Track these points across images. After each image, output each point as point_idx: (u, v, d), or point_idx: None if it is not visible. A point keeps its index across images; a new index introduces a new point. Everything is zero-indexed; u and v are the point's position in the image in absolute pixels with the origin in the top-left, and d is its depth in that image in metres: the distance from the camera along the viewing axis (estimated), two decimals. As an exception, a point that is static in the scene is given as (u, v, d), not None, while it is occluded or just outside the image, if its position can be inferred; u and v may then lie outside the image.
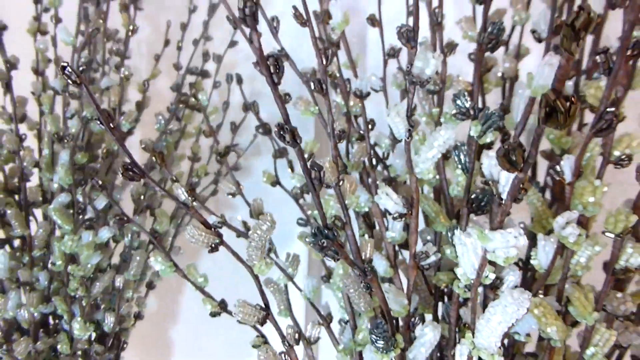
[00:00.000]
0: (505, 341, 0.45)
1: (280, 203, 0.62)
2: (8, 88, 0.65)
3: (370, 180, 0.51)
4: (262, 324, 0.45)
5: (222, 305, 0.49)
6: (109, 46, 0.71)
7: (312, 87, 0.42)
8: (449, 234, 0.46)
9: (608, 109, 0.34)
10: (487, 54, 0.47)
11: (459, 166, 0.43)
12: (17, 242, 0.66)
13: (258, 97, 0.76)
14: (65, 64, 0.33)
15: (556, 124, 0.26)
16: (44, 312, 0.64)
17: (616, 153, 0.40)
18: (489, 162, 0.37)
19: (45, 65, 0.68)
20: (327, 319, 0.52)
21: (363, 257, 0.43)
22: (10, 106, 0.66)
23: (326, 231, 0.36)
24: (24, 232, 0.64)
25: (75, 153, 0.64)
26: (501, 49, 0.49)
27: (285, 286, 0.53)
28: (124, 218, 0.54)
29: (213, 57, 0.77)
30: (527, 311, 0.36)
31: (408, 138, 0.40)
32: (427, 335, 0.43)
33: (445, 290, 0.51)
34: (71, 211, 0.64)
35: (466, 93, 0.41)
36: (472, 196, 0.42)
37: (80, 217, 0.64)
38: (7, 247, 0.65)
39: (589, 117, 0.46)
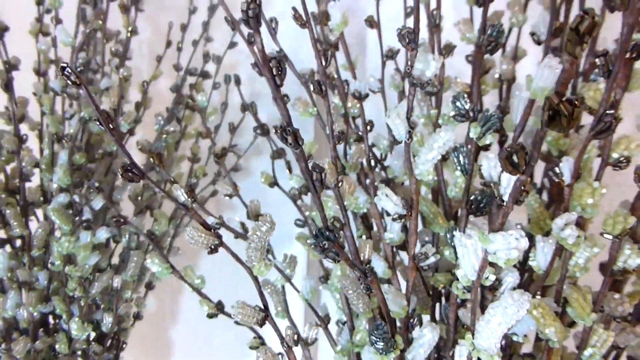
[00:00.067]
0: (503, 342, 0.45)
1: (279, 204, 0.62)
2: (7, 89, 0.65)
3: (368, 181, 0.51)
4: (261, 325, 0.45)
5: (219, 307, 0.49)
6: (110, 47, 0.71)
7: (312, 88, 0.42)
8: (448, 236, 0.46)
9: (607, 112, 0.34)
10: (485, 56, 0.47)
11: (458, 168, 0.43)
12: (18, 242, 0.66)
13: (258, 97, 0.76)
14: (65, 65, 0.33)
15: (559, 126, 0.26)
16: (43, 311, 0.64)
17: (615, 155, 0.41)
18: (489, 164, 0.37)
19: (47, 66, 0.68)
20: (324, 320, 0.52)
21: (362, 259, 0.43)
22: (10, 107, 0.66)
23: (327, 232, 0.36)
24: (22, 232, 0.64)
25: (73, 153, 0.64)
26: (498, 51, 0.49)
27: (283, 287, 0.53)
28: (120, 220, 0.54)
29: (213, 58, 0.77)
30: (526, 312, 0.36)
31: (408, 139, 0.40)
32: (426, 336, 0.43)
33: (443, 291, 0.51)
34: (70, 211, 0.64)
35: (465, 95, 0.42)
36: (471, 197, 0.42)
37: (77, 218, 0.64)
38: (7, 247, 0.65)
39: (585, 119, 0.46)
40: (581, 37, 0.25)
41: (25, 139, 0.66)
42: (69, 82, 0.33)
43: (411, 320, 0.46)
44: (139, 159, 0.70)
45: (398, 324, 0.47)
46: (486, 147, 0.43)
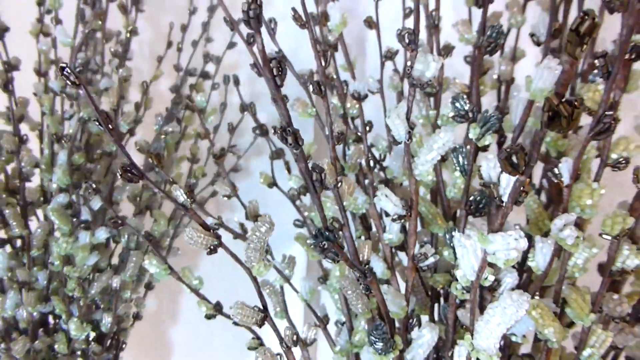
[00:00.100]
0: (502, 342, 0.45)
1: (278, 204, 0.62)
2: (6, 89, 0.65)
3: (367, 182, 0.51)
4: (260, 326, 0.45)
5: (217, 308, 0.49)
6: (110, 47, 0.71)
7: (311, 89, 0.42)
8: (447, 236, 0.46)
9: (606, 113, 0.35)
10: (484, 56, 0.47)
11: (457, 168, 0.43)
12: (19, 242, 0.66)
13: (258, 98, 0.76)
14: (64, 65, 0.33)
15: (559, 127, 0.26)
16: (43, 311, 0.64)
17: (614, 156, 0.41)
18: (488, 165, 0.37)
19: (48, 67, 0.68)
20: (323, 321, 0.52)
21: (361, 259, 0.43)
22: (10, 107, 0.66)
23: (326, 233, 0.36)
24: (22, 232, 0.64)
25: (73, 153, 0.64)
26: (497, 52, 0.49)
27: (282, 288, 0.53)
28: (118, 221, 0.54)
29: (212, 59, 0.77)
30: (525, 313, 0.36)
31: (408, 140, 0.40)
32: (425, 336, 0.44)
33: (442, 292, 0.51)
34: (69, 212, 0.64)
35: (464, 96, 0.42)
36: (471, 198, 0.42)
37: (75, 219, 0.64)
38: (7, 246, 0.65)
39: (584, 120, 0.47)
40: (581, 38, 0.25)
41: (26, 139, 0.66)
42: (68, 82, 0.33)
43: (410, 321, 0.46)
44: (140, 159, 0.70)
45: (397, 324, 0.47)
46: (485, 148, 0.43)
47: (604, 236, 0.40)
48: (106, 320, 0.64)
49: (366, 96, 0.52)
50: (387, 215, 0.45)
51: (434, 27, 0.51)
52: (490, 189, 0.36)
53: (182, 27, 0.78)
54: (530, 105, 0.38)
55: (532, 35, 0.50)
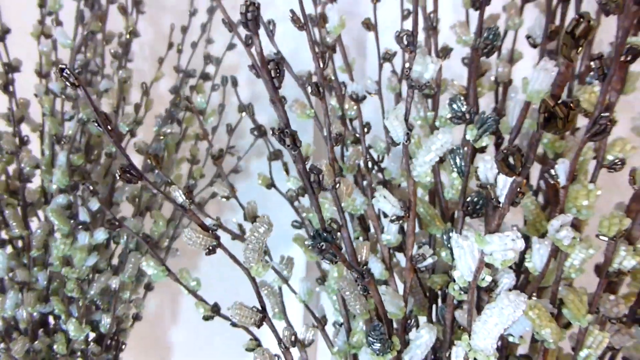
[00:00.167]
0: (499, 343, 0.46)
1: (277, 205, 0.62)
2: (6, 90, 0.65)
3: (365, 183, 0.52)
4: (258, 327, 0.45)
5: (215, 309, 0.49)
6: (111, 49, 0.71)
7: (310, 90, 0.42)
8: (444, 237, 0.46)
9: (602, 114, 0.35)
10: (481, 58, 0.47)
11: (455, 169, 0.43)
12: (20, 243, 0.66)
13: (258, 99, 0.76)
14: (63, 66, 0.33)
15: (555, 129, 0.26)
16: (43, 311, 0.64)
17: (610, 157, 0.41)
18: (485, 166, 0.37)
19: (49, 68, 0.68)
20: (322, 322, 0.52)
21: (359, 260, 0.43)
22: (11, 108, 0.66)
23: (325, 234, 0.36)
24: (22, 233, 0.64)
25: (72, 154, 0.64)
26: (494, 54, 0.49)
27: (280, 289, 0.53)
28: (115, 223, 0.54)
29: (212, 60, 0.77)
30: (522, 313, 0.36)
31: (406, 141, 0.40)
32: (423, 337, 0.44)
33: (440, 292, 0.51)
34: (68, 213, 0.64)
35: (462, 97, 0.42)
36: (468, 199, 0.42)
37: (73, 221, 0.64)
38: (8, 247, 0.65)
39: (581, 122, 0.47)
40: (577, 40, 0.25)
41: (27, 140, 0.66)
42: (67, 83, 0.33)
43: (408, 322, 0.47)
44: (140, 160, 0.70)
45: (395, 325, 0.47)
46: (482, 149, 0.43)
47: (601, 237, 0.40)
48: (105, 321, 0.64)
49: (364, 97, 0.52)
50: (385, 216, 0.45)
51: (432, 29, 0.51)
52: (488, 190, 0.36)
53: (182, 29, 0.78)
54: (527, 106, 0.38)
55: (528, 37, 0.51)
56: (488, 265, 0.37)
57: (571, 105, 0.26)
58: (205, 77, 0.78)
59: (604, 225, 0.40)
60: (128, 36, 0.70)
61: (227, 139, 0.75)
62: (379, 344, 0.42)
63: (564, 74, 0.27)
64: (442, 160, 0.50)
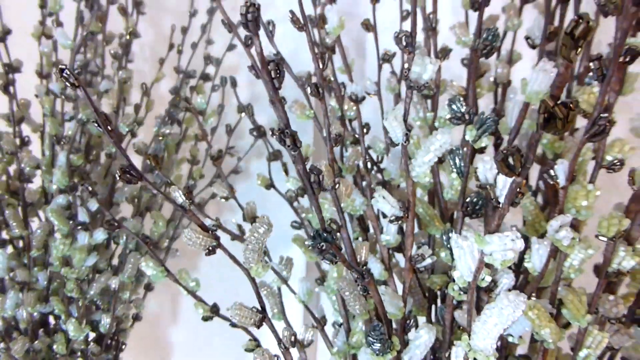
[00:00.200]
0: (498, 343, 0.46)
1: (277, 206, 0.62)
2: (7, 91, 0.66)
3: (364, 183, 0.52)
4: (258, 327, 0.45)
5: (214, 309, 0.49)
6: (111, 50, 0.71)
7: (309, 91, 0.42)
8: (444, 237, 0.47)
9: (601, 115, 0.35)
10: (480, 59, 0.48)
11: (454, 170, 0.43)
12: (20, 243, 0.66)
13: (258, 99, 0.76)
14: (63, 67, 0.33)
15: (554, 129, 0.26)
16: (43, 311, 0.64)
17: (609, 158, 0.41)
18: (484, 166, 0.37)
19: (50, 69, 0.69)
20: (321, 322, 0.52)
21: (359, 260, 0.43)
22: (11, 109, 0.67)
23: (325, 234, 0.36)
24: (22, 233, 0.64)
25: (71, 155, 0.64)
26: (494, 55, 0.49)
27: (279, 289, 0.53)
28: (114, 223, 0.54)
29: (212, 61, 0.77)
30: (521, 313, 0.36)
31: (405, 142, 0.40)
32: (423, 337, 0.44)
33: (439, 293, 0.51)
34: (68, 213, 0.64)
35: (461, 98, 0.42)
36: (467, 200, 0.42)
37: (72, 221, 0.64)
38: (9, 247, 0.65)
39: (580, 122, 0.47)
40: (576, 41, 0.25)
41: (27, 140, 0.67)
42: (67, 84, 0.33)
43: (408, 322, 0.47)
44: (140, 160, 0.70)
45: (394, 325, 0.47)
46: (482, 150, 0.43)
47: (600, 237, 0.40)
48: (105, 321, 0.64)
49: (364, 98, 0.52)
50: (385, 216, 0.45)
51: (431, 30, 0.51)
52: (487, 191, 0.36)
53: (182, 30, 0.78)
54: (526, 107, 0.38)
55: (527, 38, 0.51)
56: (488, 266, 0.37)
57: (570, 106, 0.26)
58: (205, 77, 0.78)
59: (603, 226, 0.40)
60: (128, 37, 0.71)
61: (227, 140, 0.75)
62: (378, 344, 0.42)
63: (563, 74, 0.27)
64: (441, 160, 0.51)
